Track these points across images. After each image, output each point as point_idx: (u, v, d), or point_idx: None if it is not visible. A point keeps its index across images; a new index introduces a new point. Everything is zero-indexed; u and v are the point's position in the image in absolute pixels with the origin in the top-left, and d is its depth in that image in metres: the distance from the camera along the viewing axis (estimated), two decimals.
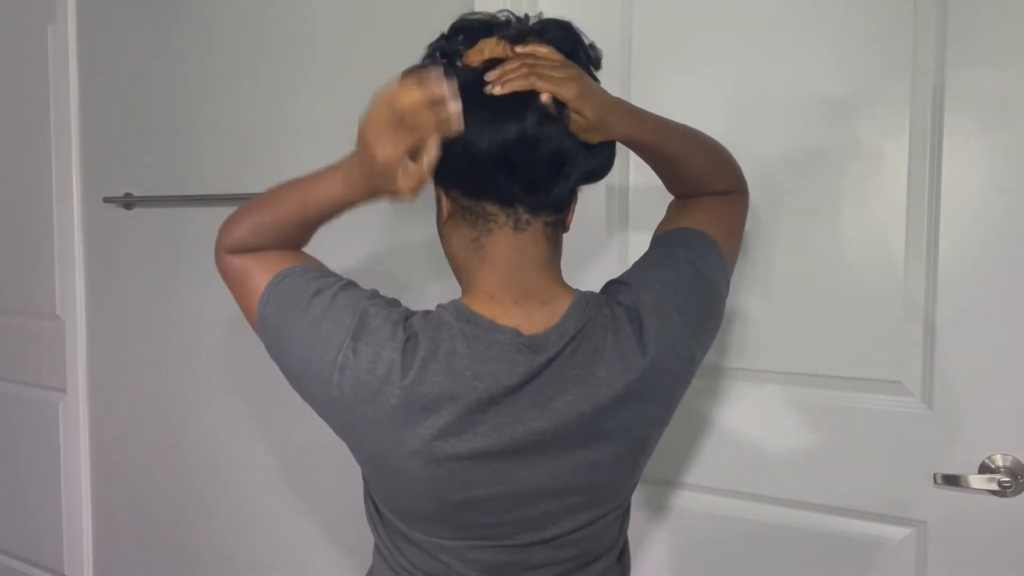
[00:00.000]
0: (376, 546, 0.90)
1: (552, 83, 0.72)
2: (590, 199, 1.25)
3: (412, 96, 0.69)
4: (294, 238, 0.86)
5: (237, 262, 0.86)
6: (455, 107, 0.70)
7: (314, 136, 1.57)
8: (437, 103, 0.69)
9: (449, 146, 0.72)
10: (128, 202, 1.85)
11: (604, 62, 0.84)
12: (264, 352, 0.85)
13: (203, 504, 1.81)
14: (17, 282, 2.12)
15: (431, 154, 0.71)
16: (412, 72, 0.72)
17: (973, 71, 1.03)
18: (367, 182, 0.76)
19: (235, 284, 0.87)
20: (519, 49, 0.75)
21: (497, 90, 0.72)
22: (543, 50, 0.75)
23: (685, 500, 1.27)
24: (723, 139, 0.95)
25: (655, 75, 1.24)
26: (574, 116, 0.73)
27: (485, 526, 0.80)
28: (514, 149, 0.72)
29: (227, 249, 0.87)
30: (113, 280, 1.92)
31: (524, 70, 0.72)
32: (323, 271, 0.84)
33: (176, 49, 1.77)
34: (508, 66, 0.73)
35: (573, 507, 0.81)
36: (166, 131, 1.80)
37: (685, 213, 0.92)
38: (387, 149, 0.71)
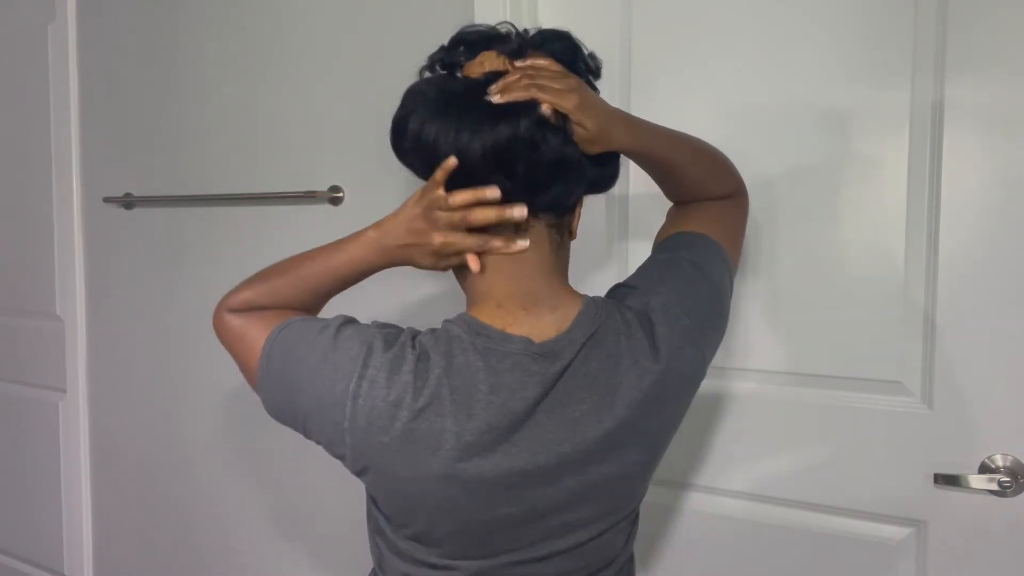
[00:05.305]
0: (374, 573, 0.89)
1: (552, 94, 0.73)
2: (591, 209, 1.25)
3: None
4: (308, 301, 0.85)
5: (237, 321, 0.84)
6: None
7: (314, 136, 1.57)
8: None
9: (445, 152, 0.74)
10: (128, 202, 1.85)
11: (604, 69, 0.84)
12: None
13: (203, 504, 1.81)
14: (17, 282, 2.12)
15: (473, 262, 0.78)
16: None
17: (973, 74, 1.03)
18: (403, 253, 0.80)
19: (234, 341, 0.84)
20: (518, 63, 0.76)
21: (496, 99, 0.73)
22: (543, 62, 0.76)
23: (684, 500, 1.27)
24: (723, 143, 0.95)
25: (655, 81, 1.24)
26: (575, 127, 0.74)
27: (504, 540, 0.79)
28: (507, 150, 0.73)
29: (229, 308, 0.85)
30: (113, 280, 1.92)
31: (525, 81, 0.73)
32: (323, 318, 0.83)
33: (176, 49, 1.77)
34: (509, 78, 0.74)
35: (589, 517, 0.81)
36: (166, 131, 1.80)
37: (686, 217, 0.92)
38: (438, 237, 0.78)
